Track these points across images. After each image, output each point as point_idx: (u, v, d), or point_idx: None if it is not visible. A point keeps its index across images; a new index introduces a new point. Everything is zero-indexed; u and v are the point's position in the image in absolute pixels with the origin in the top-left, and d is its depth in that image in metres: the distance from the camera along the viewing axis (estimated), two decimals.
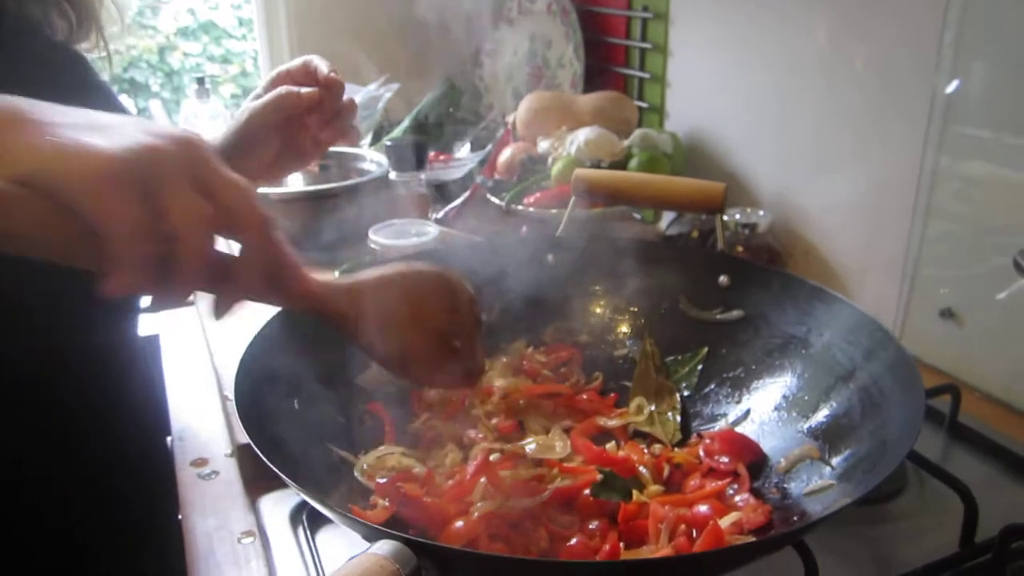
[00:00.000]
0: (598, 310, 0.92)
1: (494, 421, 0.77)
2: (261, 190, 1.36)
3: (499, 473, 0.70)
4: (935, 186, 0.99)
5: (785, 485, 0.69)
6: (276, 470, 0.55)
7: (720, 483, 0.70)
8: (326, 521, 0.75)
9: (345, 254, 1.21)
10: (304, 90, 0.87)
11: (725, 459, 0.72)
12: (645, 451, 0.75)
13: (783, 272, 0.85)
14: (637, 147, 1.32)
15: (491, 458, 0.68)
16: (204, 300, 1.17)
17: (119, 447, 0.87)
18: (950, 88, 0.95)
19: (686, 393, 0.83)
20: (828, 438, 0.70)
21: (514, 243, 0.98)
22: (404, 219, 1.23)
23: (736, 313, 0.85)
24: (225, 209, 0.47)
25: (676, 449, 0.76)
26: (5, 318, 0.68)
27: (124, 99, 3.50)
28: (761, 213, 1.19)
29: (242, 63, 3.91)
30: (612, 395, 0.84)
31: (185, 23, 3.84)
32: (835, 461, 0.67)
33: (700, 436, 0.78)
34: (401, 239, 1.16)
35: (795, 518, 0.65)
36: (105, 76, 0.88)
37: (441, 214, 1.32)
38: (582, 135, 1.33)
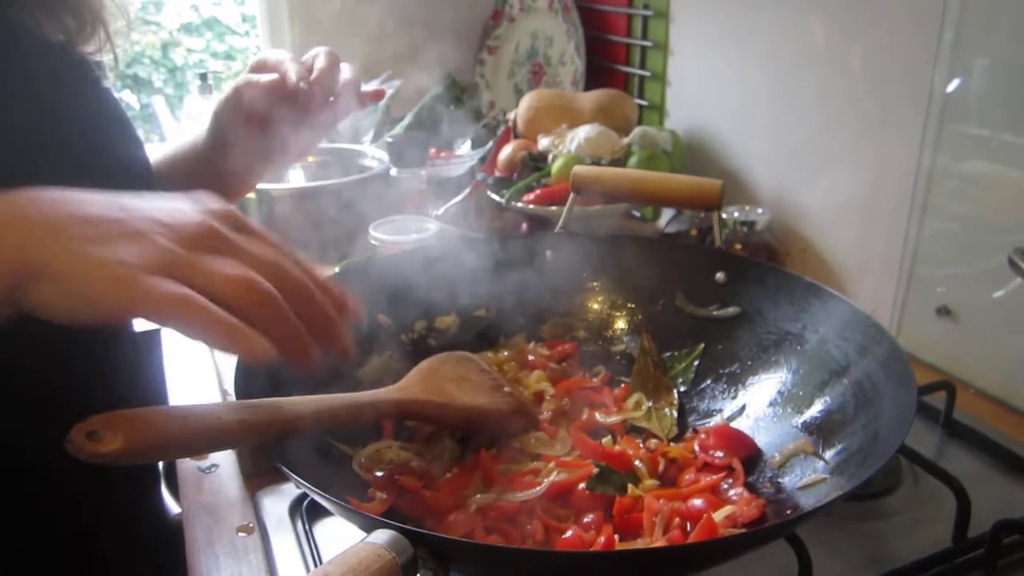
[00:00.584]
0: (596, 306, 0.93)
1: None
2: (263, 186, 1.37)
3: (495, 467, 0.71)
4: (932, 184, 1.00)
5: (779, 479, 0.70)
6: (276, 463, 0.56)
7: (715, 477, 0.70)
8: (324, 514, 0.76)
9: (346, 250, 1.21)
10: (263, 78, 0.79)
11: (720, 454, 0.73)
12: (641, 446, 0.76)
13: (779, 269, 0.86)
14: (637, 145, 1.32)
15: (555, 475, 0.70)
16: None
17: None
18: (947, 87, 0.95)
19: (682, 388, 0.84)
20: (822, 433, 0.71)
21: (513, 239, 0.98)
22: (405, 215, 1.23)
23: (732, 309, 0.86)
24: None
25: (672, 444, 0.77)
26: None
27: (127, 95, 3.51)
28: (760, 211, 1.20)
29: (245, 59, 3.91)
30: (623, 386, 0.85)
31: (188, 19, 3.85)
32: (828, 455, 0.68)
33: (695, 431, 0.78)
34: (402, 235, 1.17)
35: (788, 512, 0.65)
36: (110, 77, 0.87)
37: (442, 210, 1.32)
38: (582, 132, 1.33)
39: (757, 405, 0.78)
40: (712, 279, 0.87)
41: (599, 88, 1.51)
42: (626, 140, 1.34)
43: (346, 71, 0.81)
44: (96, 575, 0.86)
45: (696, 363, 0.85)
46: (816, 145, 1.18)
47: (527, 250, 0.93)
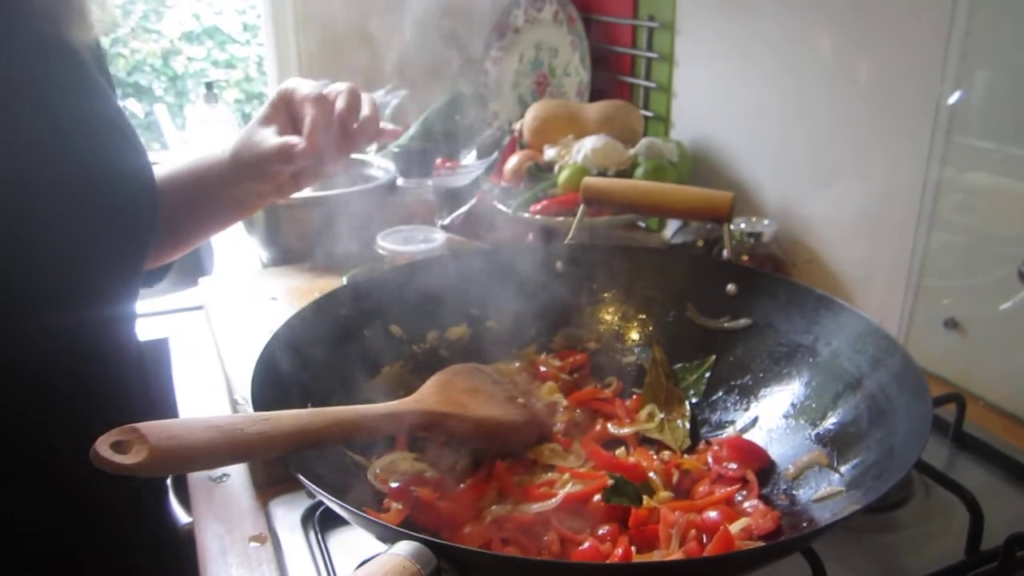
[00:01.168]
0: (607, 317, 0.93)
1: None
2: None
3: (510, 478, 0.71)
4: (939, 197, 1.00)
5: (794, 492, 0.70)
6: (295, 473, 0.56)
7: (729, 489, 0.70)
8: (337, 524, 0.76)
9: (353, 260, 1.22)
10: (286, 144, 0.79)
11: (734, 465, 0.73)
12: (654, 457, 0.76)
13: (790, 281, 0.86)
14: (643, 156, 1.33)
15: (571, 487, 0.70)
16: (213, 306, 1.17)
17: None
18: (953, 99, 0.96)
19: (694, 400, 0.84)
20: (836, 445, 0.71)
21: (523, 250, 0.98)
22: (411, 225, 1.23)
23: (743, 321, 0.86)
24: None
25: (685, 456, 0.77)
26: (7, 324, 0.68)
27: (132, 103, 3.51)
28: (766, 222, 1.20)
29: (246, 68, 3.92)
30: (635, 398, 0.85)
31: (189, 28, 3.86)
32: (843, 468, 0.68)
33: (708, 443, 0.78)
34: (408, 245, 1.17)
35: (804, 524, 0.66)
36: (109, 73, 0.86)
37: (448, 220, 1.32)
38: (588, 143, 1.33)
39: (770, 417, 0.79)
40: (723, 291, 0.88)
41: (604, 99, 1.51)
42: (632, 151, 1.35)
43: (366, 106, 0.81)
44: None
45: (708, 375, 0.85)
46: (822, 157, 1.18)
47: (538, 261, 0.93)
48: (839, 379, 0.75)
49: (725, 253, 0.91)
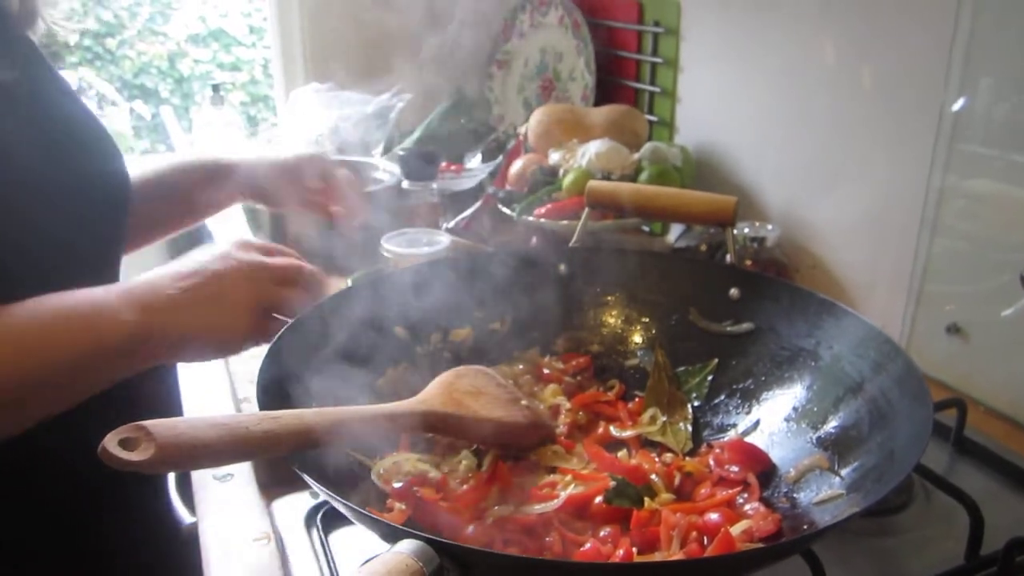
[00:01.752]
0: (610, 320, 0.93)
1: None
2: None
3: (513, 479, 0.71)
4: (942, 203, 1.01)
5: (794, 494, 0.70)
6: (301, 472, 0.56)
7: (730, 492, 0.71)
8: (340, 523, 0.76)
9: (357, 262, 1.22)
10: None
11: (735, 468, 0.74)
12: (656, 460, 0.76)
13: (793, 285, 0.86)
14: (648, 160, 1.33)
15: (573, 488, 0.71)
16: None
17: None
18: (957, 106, 0.96)
19: (696, 403, 0.85)
20: (837, 449, 0.71)
21: (528, 253, 0.99)
22: (416, 228, 1.24)
23: (746, 325, 0.86)
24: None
25: (687, 458, 0.78)
26: None
27: (139, 105, 3.51)
28: (769, 227, 1.21)
29: (251, 70, 3.93)
30: (637, 400, 0.86)
31: (195, 30, 3.87)
32: (844, 471, 0.68)
33: (710, 446, 0.79)
34: (413, 248, 1.17)
35: (804, 527, 0.66)
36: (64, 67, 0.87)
37: (452, 223, 1.33)
38: (593, 148, 1.34)
39: (772, 421, 0.79)
40: (726, 295, 0.88)
41: (609, 104, 1.52)
42: (636, 155, 1.35)
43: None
44: None
45: (710, 378, 0.86)
46: (826, 162, 1.19)
47: (541, 264, 0.94)
48: (840, 383, 0.75)
49: (728, 257, 0.91)
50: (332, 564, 0.71)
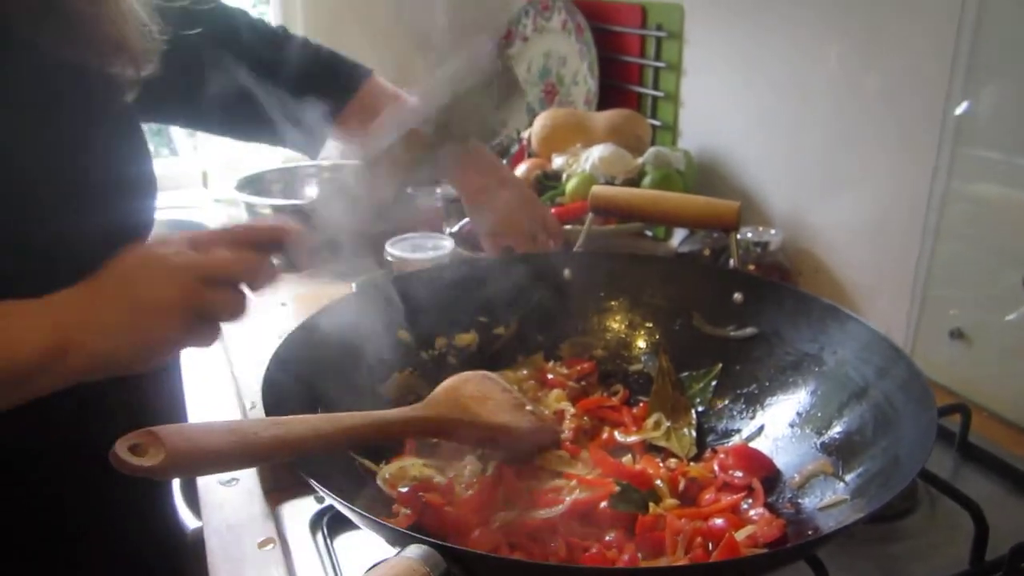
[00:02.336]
0: (614, 325, 0.94)
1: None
2: (277, 202, 1.39)
3: (518, 484, 0.71)
4: (945, 207, 1.01)
5: (799, 500, 0.71)
6: (308, 478, 0.57)
7: (735, 497, 0.71)
8: (345, 528, 0.76)
9: (361, 267, 1.22)
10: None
11: (739, 474, 0.74)
12: (661, 465, 0.77)
13: (797, 290, 0.86)
14: (651, 165, 1.34)
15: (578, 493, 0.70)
16: None
17: None
18: (960, 110, 0.97)
19: (700, 409, 0.85)
20: (841, 454, 0.71)
21: (531, 258, 0.99)
22: (420, 233, 1.24)
23: (750, 330, 0.86)
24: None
25: (691, 463, 0.78)
26: None
27: None
28: (772, 232, 1.21)
29: None
30: (642, 405, 0.86)
31: None
32: (848, 477, 0.69)
33: (714, 451, 0.79)
34: (417, 253, 1.18)
35: (809, 532, 0.66)
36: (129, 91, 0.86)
37: (456, 228, 1.33)
38: (596, 152, 1.34)
39: (776, 426, 0.79)
40: (730, 299, 0.88)
41: (612, 108, 1.52)
42: (640, 160, 1.35)
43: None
44: None
45: (714, 383, 0.86)
46: (829, 166, 1.19)
47: (546, 269, 0.94)
48: (845, 388, 0.75)
49: (732, 262, 0.91)
50: (337, 568, 0.71)
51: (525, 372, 0.89)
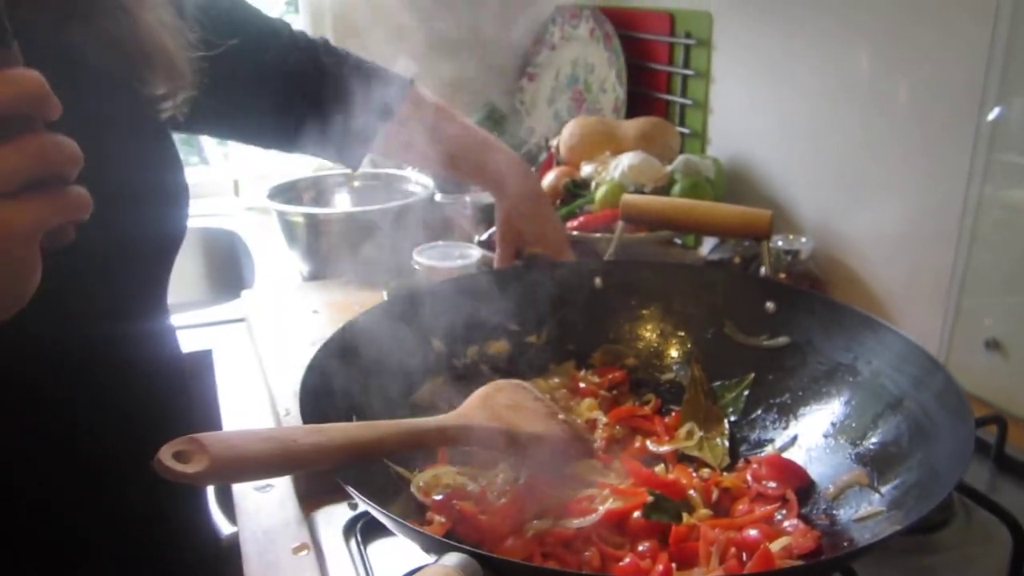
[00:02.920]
0: (646, 334, 0.94)
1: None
2: (309, 210, 1.40)
3: (551, 494, 0.71)
4: (979, 214, 1.00)
5: (834, 511, 0.70)
6: (344, 484, 0.57)
7: (769, 508, 0.71)
8: (379, 534, 0.77)
9: (390, 275, 1.23)
10: None
11: (773, 484, 0.73)
12: (694, 475, 0.76)
13: (830, 299, 0.86)
14: (680, 173, 1.34)
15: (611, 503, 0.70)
16: (255, 318, 1.20)
17: None
18: (993, 115, 0.96)
19: (732, 418, 0.84)
20: (877, 465, 0.71)
21: (562, 266, 0.99)
22: (448, 241, 1.25)
23: (783, 339, 0.86)
24: None
25: (724, 473, 0.77)
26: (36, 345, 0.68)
27: None
28: (803, 240, 1.20)
29: None
30: (674, 415, 0.86)
31: None
32: (884, 488, 0.68)
33: (747, 461, 0.79)
34: (445, 261, 1.18)
35: (844, 544, 0.66)
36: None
37: (485, 236, 1.34)
38: (625, 160, 1.34)
39: (810, 436, 0.79)
40: (762, 308, 0.88)
41: (640, 116, 1.52)
42: (669, 168, 1.35)
43: None
44: None
45: (746, 393, 0.85)
46: (860, 174, 1.18)
47: (577, 277, 0.94)
48: (880, 399, 0.75)
49: (764, 270, 0.91)
50: (371, 574, 0.72)
51: (557, 380, 0.89)
